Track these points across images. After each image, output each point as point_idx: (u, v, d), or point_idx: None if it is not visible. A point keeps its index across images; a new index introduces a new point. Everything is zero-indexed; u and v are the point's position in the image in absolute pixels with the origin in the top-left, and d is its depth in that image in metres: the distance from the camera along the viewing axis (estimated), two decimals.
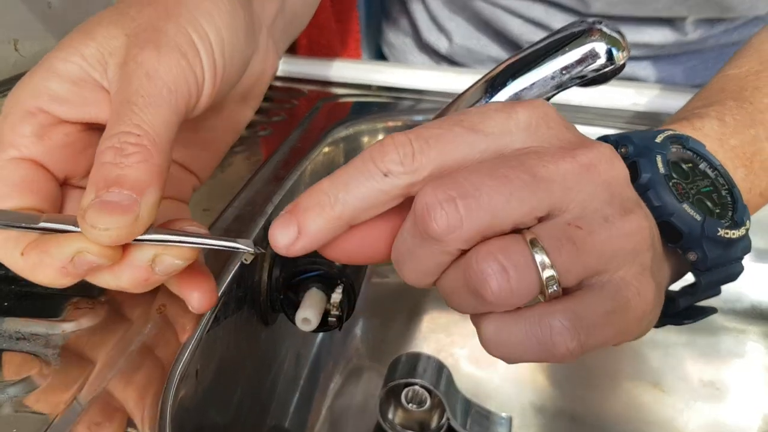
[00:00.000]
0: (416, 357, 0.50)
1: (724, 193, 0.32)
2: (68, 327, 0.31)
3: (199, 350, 0.32)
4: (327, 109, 0.65)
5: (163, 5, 0.29)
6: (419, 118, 0.64)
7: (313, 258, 0.42)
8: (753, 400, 0.56)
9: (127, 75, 0.27)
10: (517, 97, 0.39)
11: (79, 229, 0.25)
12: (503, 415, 0.50)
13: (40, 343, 0.30)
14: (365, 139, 0.62)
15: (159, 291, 0.34)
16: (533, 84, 0.38)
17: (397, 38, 0.88)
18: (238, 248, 0.27)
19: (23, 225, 0.26)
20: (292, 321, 0.44)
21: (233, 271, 0.37)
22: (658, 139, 0.32)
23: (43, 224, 0.26)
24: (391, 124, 0.63)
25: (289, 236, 0.25)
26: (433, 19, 0.82)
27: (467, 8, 0.78)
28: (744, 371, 0.58)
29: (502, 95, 0.40)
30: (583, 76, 0.38)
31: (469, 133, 0.25)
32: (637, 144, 0.31)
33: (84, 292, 0.33)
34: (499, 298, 0.23)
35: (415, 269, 0.26)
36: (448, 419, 0.48)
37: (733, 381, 0.57)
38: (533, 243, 0.23)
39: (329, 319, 0.42)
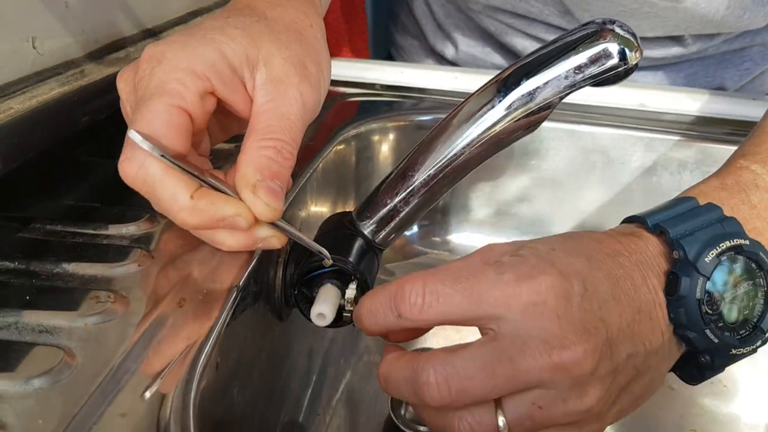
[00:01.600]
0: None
1: (760, 295, 0.34)
2: (91, 320, 0.31)
3: (219, 343, 0.32)
4: (336, 108, 0.65)
5: (305, 43, 0.40)
6: (427, 117, 0.65)
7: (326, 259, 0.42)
8: (762, 398, 0.56)
9: (289, 97, 0.37)
10: (530, 97, 0.40)
11: (231, 194, 0.34)
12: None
13: (63, 336, 0.30)
14: (376, 138, 0.63)
15: (179, 285, 0.34)
16: (547, 83, 0.39)
17: (405, 41, 0.89)
18: (322, 253, 0.39)
19: (195, 173, 0.33)
20: (307, 316, 0.44)
21: (251, 266, 0.37)
22: (708, 258, 0.33)
23: (209, 179, 0.33)
24: (402, 123, 0.64)
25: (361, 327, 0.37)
26: (439, 27, 0.83)
27: (471, 21, 0.79)
28: (752, 368, 0.59)
29: (515, 94, 0.40)
30: (596, 76, 0.38)
31: (474, 306, 0.31)
32: (686, 259, 0.33)
33: (106, 287, 0.34)
34: None
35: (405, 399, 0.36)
36: None
37: (742, 378, 0.57)
38: (501, 415, 0.30)
39: (344, 314, 0.42)
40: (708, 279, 0.32)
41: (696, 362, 0.35)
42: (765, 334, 0.34)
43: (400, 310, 0.32)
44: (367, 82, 0.71)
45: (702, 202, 0.36)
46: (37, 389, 0.27)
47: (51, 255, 0.35)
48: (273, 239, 0.37)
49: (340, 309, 0.43)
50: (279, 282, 0.44)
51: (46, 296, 0.33)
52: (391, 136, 0.64)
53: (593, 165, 0.66)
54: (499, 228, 0.68)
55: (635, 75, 0.78)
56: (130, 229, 0.39)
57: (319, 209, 0.57)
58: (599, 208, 0.67)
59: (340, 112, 0.65)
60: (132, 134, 0.31)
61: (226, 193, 0.34)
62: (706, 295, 0.32)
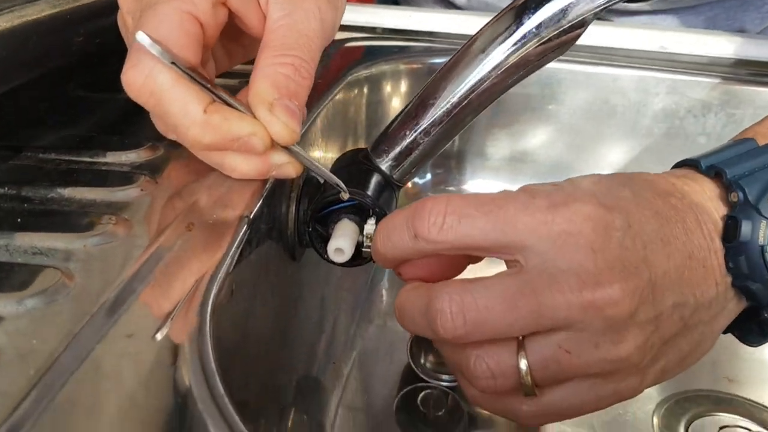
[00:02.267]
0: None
1: None
2: (91, 242, 0.28)
3: (234, 269, 0.29)
4: (342, 52, 0.62)
5: None
6: (441, 60, 0.61)
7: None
8: None
9: (307, 12, 0.34)
10: (562, 14, 0.37)
11: (246, 111, 0.31)
12: None
13: (60, 258, 0.27)
14: (387, 80, 0.60)
15: (187, 210, 0.31)
16: None
17: None
18: (339, 186, 0.36)
19: (208, 86, 0.30)
20: (322, 255, 0.41)
21: (262, 197, 0.34)
22: None
23: (222, 94, 0.31)
24: (415, 66, 0.60)
25: (379, 262, 0.34)
26: None
27: None
28: None
29: (546, 11, 0.37)
30: None
31: (499, 231, 0.27)
32: (746, 201, 0.30)
33: (106, 210, 0.31)
34: (486, 390, 0.28)
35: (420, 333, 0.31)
36: None
37: None
38: (523, 357, 0.27)
39: (363, 250, 0.39)
40: None
41: (758, 319, 0.31)
42: None
43: (418, 230, 0.28)
44: (374, 26, 0.67)
45: (761, 142, 0.32)
46: (30, 309, 0.24)
47: (44, 180, 0.32)
48: (289, 166, 0.34)
49: (358, 246, 0.40)
50: (291, 218, 0.41)
51: (39, 219, 0.29)
52: (404, 80, 0.61)
53: (613, 109, 0.63)
54: (516, 175, 0.65)
55: (653, 18, 0.75)
56: (131, 157, 0.36)
57: (327, 155, 0.54)
58: (620, 153, 0.64)
59: (347, 55, 0.62)
60: (140, 36, 0.28)
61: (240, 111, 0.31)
62: None
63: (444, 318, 0.27)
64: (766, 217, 0.29)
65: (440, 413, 0.47)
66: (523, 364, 0.27)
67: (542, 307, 0.26)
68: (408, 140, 0.41)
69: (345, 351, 0.49)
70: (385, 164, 0.42)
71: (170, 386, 0.23)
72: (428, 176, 0.66)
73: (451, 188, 0.66)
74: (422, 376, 0.48)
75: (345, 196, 0.38)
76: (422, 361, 0.48)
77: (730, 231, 0.29)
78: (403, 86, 0.61)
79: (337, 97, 0.54)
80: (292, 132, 0.32)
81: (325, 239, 0.40)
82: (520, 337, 0.27)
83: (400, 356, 0.50)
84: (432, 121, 0.40)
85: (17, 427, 0.19)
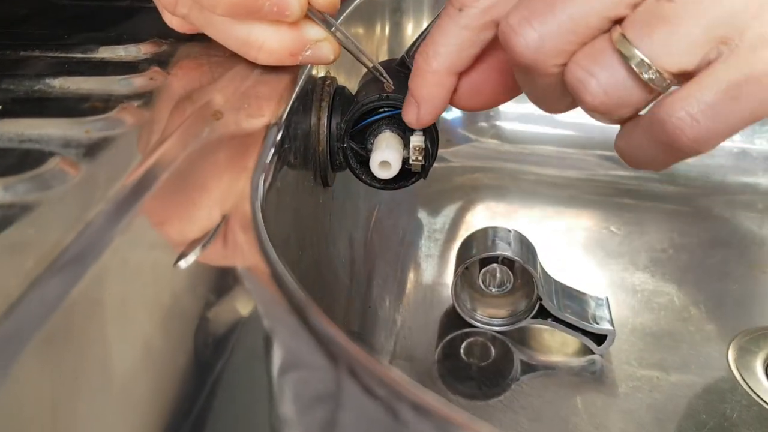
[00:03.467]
0: (492, 231, 0.42)
1: None
2: (95, 126, 0.22)
3: (273, 167, 0.23)
4: None
5: None
6: None
7: (383, 96, 0.33)
8: None
9: None
10: None
11: None
12: (600, 296, 0.43)
13: (57, 144, 0.21)
14: None
15: (209, 102, 0.25)
16: None
17: None
18: (382, 75, 0.31)
19: None
20: (360, 176, 0.35)
21: (292, 97, 0.28)
22: None
23: None
24: None
25: (413, 111, 0.29)
26: None
27: None
28: None
29: None
30: None
31: None
32: None
33: (109, 99, 0.24)
34: (598, 103, 0.22)
35: (537, 99, 0.26)
36: (539, 299, 0.40)
37: None
38: (620, 38, 0.21)
39: (413, 163, 0.33)
40: None
41: None
42: None
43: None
44: None
45: None
46: (22, 195, 0.18)
47: (29, 72, 0.26)
48: (325, 45, 0.28)
49: (404, 162, 0.34)
50: (323, 133, 0.35)
51: (25, 106, 0.23)
52: None
53: None
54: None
55: None
56: (131, 51, 0.29)
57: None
58: None
59: None
60: None
61: None
62: None
63: (511, 37, 0.22)
64: None
65: (486, 363, 0.42)
66: (622, 44, 0.21)
67: None
68: None
69: (381, 294, 0.43)
70: None
71: (213, 283, 0.17)
72: (458, 111, 0.60)
73: (482, 124, 0.60)
74: (468, 320, 0.42)
75: (390, 87, 0.32)
76: (469, 306, 0.43)
77: None
78: None
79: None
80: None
81: (364, 158, 0.34)
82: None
83: (441, 300, 0.44)
84: None
85: (12, 336, 0.13)
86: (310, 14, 0.27)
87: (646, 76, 0.21)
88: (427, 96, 0.27)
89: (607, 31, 0.22)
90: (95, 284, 0.15)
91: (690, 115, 0.21)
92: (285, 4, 0.25)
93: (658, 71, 0.21)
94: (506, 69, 0.27)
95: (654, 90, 0.22)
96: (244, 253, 0.18)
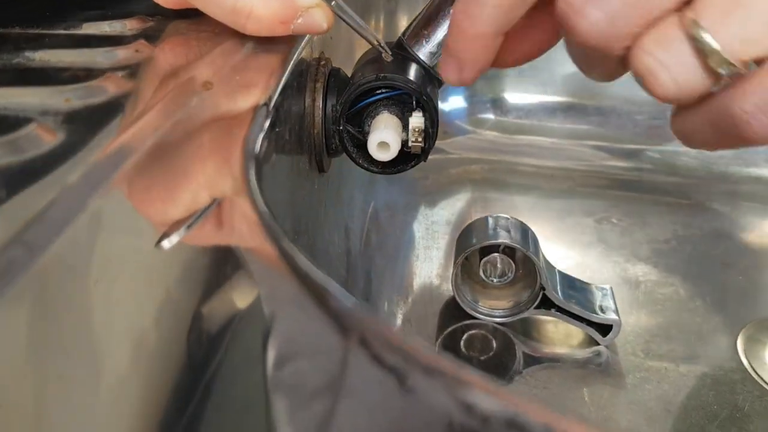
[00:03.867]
0: (492, 219, 0.41)
1: None
2: (75, 95, 0.20)
3: (265, 142, 0.22)
4: None
5: None
6: None
7: (380, 76, 0.32)
8: None
9: None
10: None
11: None
12: (605, 286, 0.41)
13: (34, 111, 0.19)
14: None
15: (204, 68, 0.23)
16: None
17: None
18: (381, 45, 0.30)
19: None
20: (357, 160, 0.34)
21: (285, 76, 0.27)
22: None
23: None
24: None
25: (454, 70, 0.27)
26: None
27: None
28: None
29: None
30: None
31: None
32: None
33: (92, 67, 0.23)
34: (669, 94, 0.21)
35: (588, 71, 0.25)
36: (542, 289, 0.39)
37: None
38: (692, 23, 0.20)
39: (412, 145, 0.32)
40: None
41: None
42: None
43: None
44: None
45: None
46: None
47: (8, 46, 0.24)
48: (317, 12, 0.26)
49: (403, 145, 0.32)
50: (318, 116, 0.33)
51: (2, 77, 0.21)
52: None
53: None
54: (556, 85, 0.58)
55: None
56: (116, 27, 0.28)
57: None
58: None
59: None
60: None
61: None
62: None
63: (573, 19, 0.21)
64: None
65: (488, 356, 0.40)
66: (695, 30, 0.20)
67: None
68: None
69: (380, 287, 0.41)
70: (424, 51, 0.34)
71: (207, 266, 0.15)
72: (464, 103, 0.59)
73: (480, 116, 0.59)
74: (470, 312, 0.41)
75: (388, 57, 0.31)
76: (469, 296, 0.41)
77: None
78: None
79: None
80: None
81: (361, 142, 0.33)
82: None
83: (441, 292, 0.43)
84: None
85: None
86: None
87: (720, 69, 0.20)
88: (472, 58, 0.26)
89: (678, 11, 0.20)
90: (68, 251, 0.14)
91: (759, 108, 0.20)
92: None
93: (732, 63, 0.20)
94: (553, 27, 0.26)
95: (725, 79, 0.20)
96: (242, 232, 0.17)
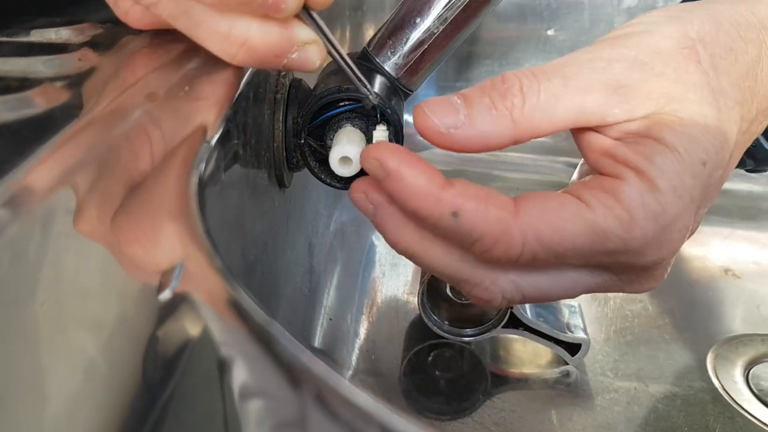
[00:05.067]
0: None
1: None
2: (7, 106, 0.19)
3: (215, 159, 0.20)
4: None
5: None
6: None
7: (343, 88, 0.31)
8: None
9: None
10: None
11: None
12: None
13: None
14: None
15: (151, 77, 0.22)
16: None
17: None
18: (367, 89, 0.29)
19: None
20: (318, 175, 0.33)
21: (239, 93, 0.25)
22: None
23: None
24: None
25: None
26: None
27: None
28: None
29: None
30: None
31: (561, 264, 0.24)
32: None
33: (30, 80, 0.21)
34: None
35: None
36: (509, 307, 0.38)
37: None
38: None
39: None
40: None
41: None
42: None
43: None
44: None
45: None
46: None
47: None
48: (313, 48, 0.25)
49: None
50: (279, 129, 0.32)
51: None
52: None
53: None
54: None
55: None
56: (63, 35, 0.26)
57: None
58: None
59: None
60: None
61: None
62: None
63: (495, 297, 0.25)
64: None
65: (456, 376, 0.39)
66: None
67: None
68: (421, 30, 0.33)
69: (344, 306, 0.40)
70: (389, 62, 0.34)
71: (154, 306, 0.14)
72: None
73: None
74: (437, 331, 0.40)
75: (371, 102, 0.30)
76: (436, 314, 0.40)
77: None
78: None
79: None
80: None
81: (323, 156, 0.32)
82: None
83: (407, 311, 0.42)
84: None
85: None
86: (302, 14, 0.24)
87: None
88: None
89: None
90: (12, 270, 0.12)
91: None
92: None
93: None
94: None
95: None
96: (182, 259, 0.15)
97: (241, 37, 0.23)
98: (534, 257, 0.23)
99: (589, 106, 0.24)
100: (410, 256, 0.26)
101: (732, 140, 0.24)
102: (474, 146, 0.24)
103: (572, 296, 0.26)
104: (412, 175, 0.23)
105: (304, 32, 0.24)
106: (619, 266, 0.25)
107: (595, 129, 0.25)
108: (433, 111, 0.24)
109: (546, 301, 0.25)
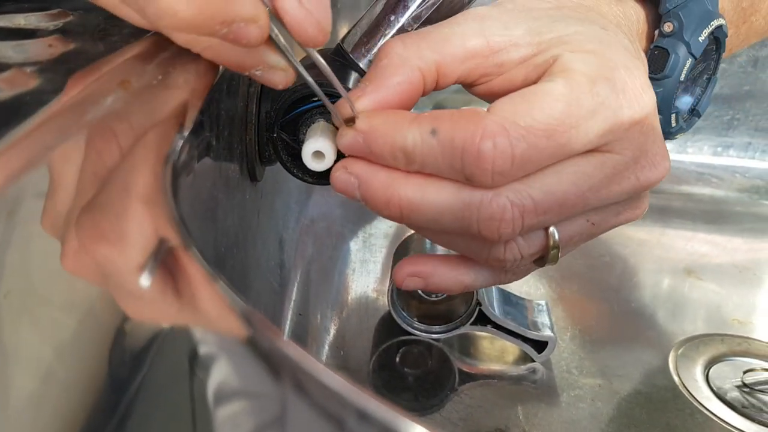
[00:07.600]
0: None
1: (704, 78, 0.34)
2: None
3: (187, 149, 0.20)
4: None
5: None
6: None
7: (318, 82, 0.31)
8: None
9: None
10: None
11: None
12: (540, 302, 0.41)
13: None
14: None
15: (125, 63, 0.22)
16: None
17: None
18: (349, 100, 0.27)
19: None
20: (291, 170, 0.33)
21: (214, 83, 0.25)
22: (702, 37, 0.30)
23: None
24: None
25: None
26: None
27: None
28: None
29: None
30: None
31: (556, 149, 0.23)
32: (680, 32, 0.30)
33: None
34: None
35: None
36: (478, 304, 0.38)
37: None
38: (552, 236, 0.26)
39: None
40: (695, 60, 0.30)
41: None
42: (699, 118, 0.34)
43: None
44: None
45: None
46: None
47: None
48: (278, 74, 0.24)
49: (339, 155, 0.31)
50: (252, 123, 0.32)
51: None
52: None
53: None
54: None
55: None
56: (31, 20, 0.26)
57: None
58: None
59: None
60: None
61: None
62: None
63: (499, 225, 0.24)
64: (692, 55, 0.30)
65: (424, 372, 0.40)
66: (552, 242, 0.26)
67: (587, 205, 0.26)
68: (396, 27, 0.33)
69: (316, 301, 0.40)
70: (364, 60, 0.34)
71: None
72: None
73: None
74: (406, 327, 0.40)
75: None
76: (405, 311, 0.40)
77: (657, 62, 0.30)
78: None
79: None
80: (320, 30, 0.22)
81: (295, 150, 0.32)
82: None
83: (377, 307, 0.42)
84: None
85: None
86: (273, 40, 0.23)
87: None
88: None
89: None
90: None
91: None
92: (245, 34, 0.20)
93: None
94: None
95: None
96: (155, 246, 0.15)
97: (205, 44, 0.23)
98: (524, 151, 0.23)
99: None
100: (405, 211, 0.25)
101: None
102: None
103: (584, 192, 0.25)
104: (384, 116, 0.25)
105: (272, 57, 0.24)
106: (612, 135, 0.24)
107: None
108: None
109: (561, 208, 0.24)
